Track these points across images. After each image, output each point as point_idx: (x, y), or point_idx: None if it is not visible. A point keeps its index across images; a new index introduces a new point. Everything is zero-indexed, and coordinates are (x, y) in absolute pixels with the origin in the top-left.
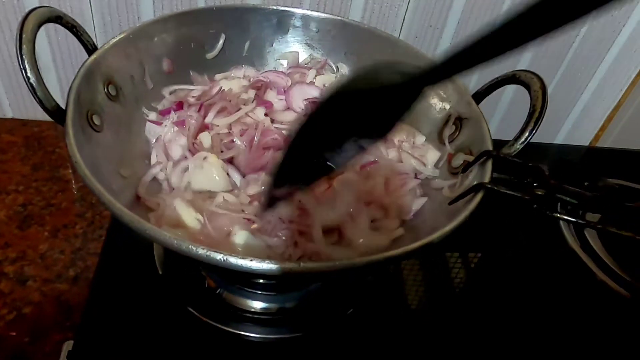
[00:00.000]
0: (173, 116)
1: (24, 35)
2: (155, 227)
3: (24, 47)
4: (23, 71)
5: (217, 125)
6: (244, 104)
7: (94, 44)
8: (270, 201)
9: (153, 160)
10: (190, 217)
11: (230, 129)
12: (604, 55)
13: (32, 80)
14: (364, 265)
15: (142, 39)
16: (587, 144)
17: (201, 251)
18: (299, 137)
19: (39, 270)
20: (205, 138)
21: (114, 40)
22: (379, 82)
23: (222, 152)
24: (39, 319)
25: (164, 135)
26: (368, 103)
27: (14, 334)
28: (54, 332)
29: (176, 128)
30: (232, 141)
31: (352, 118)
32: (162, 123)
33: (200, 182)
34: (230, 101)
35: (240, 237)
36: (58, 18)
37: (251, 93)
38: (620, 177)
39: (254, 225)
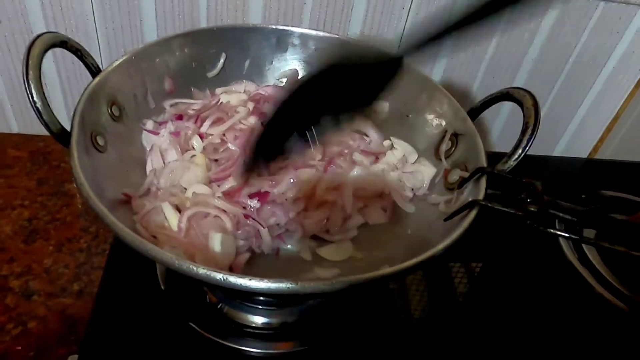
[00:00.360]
0: (170, 126)
1: (30, 61)
2: (157, 247)
3: (30, 72)
4: (29, 96)
5: (212, 135)
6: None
7: (97, 66)
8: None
9: (149, 168)
10: (175, 221)
11: (224, 136)
12: (602, 66)
13: (39, 104)
14: (363, 282)
15: (145, 60)
16: (585, 155)
17: (201, 271)
18: (279, 112)
19: (44, 285)
20: (196, 141)
21: (117, 62)
22: (353, 62)
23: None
24: (44, 333)
25: (160, 144)
26: (345, 81)
27: (20, 348)
28: (58, 346)
29: (172, 138)
30: (227, 147)
31: (331, 96)
32: (158, 133)
33: (187, 180)
34: (227, 113)
35: (215, 240)
36: (63, 43)
37: (250, 105)
38: (619, 189)
39: (226, 224)
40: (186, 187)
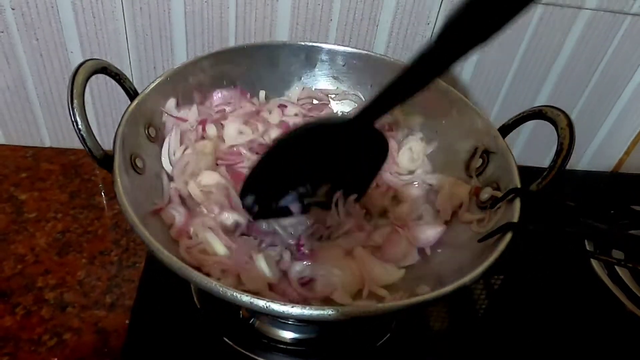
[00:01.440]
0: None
1: (75, 90)
2: (204, 276)
3: (75, 101)
4: (74, 123)
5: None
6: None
7: (135, 89)
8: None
9: (165, 149)
10: (219, 246)
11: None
12: (628, 79)
13: (83, 131)
14: (404, 308)
15: (179, 81)
16: (610, 169)
17: (245, 298)
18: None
19: (78, 297)
20: (210, 129)
21: (153, 84)
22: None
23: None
24: (78, 345)
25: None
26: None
27: (55, 359)
28: (93, 357)
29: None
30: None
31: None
32: (186, 119)
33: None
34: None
35: (261, 261)
36: (104, 69)
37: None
38: None
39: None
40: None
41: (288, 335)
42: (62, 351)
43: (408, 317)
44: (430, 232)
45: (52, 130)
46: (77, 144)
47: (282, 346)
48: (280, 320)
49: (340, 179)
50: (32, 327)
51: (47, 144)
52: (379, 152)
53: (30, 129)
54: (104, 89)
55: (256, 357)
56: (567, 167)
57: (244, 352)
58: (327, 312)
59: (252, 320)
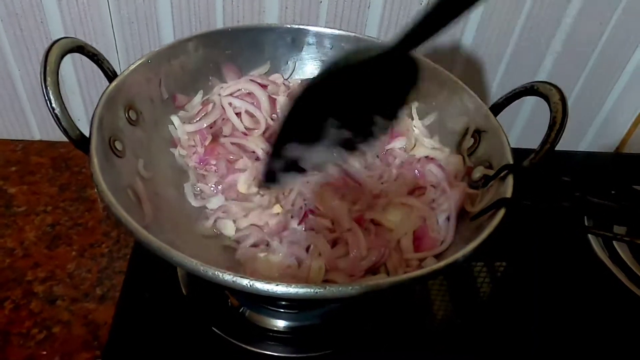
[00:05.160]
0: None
1: (48, 67)
2: (180, 253)
3: (48, 78)
4: (48, 102)
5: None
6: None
7: (114, 71)
8: (269, 174)
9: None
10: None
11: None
12: (628, 57)
13: (57, 110)
14: (388, 286)
15: (161, 63)
16: (613, 150)
17: (227, 277)
18: (302, 101)
19: (67, 290)
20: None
21: (133, 66)
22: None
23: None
24: (68, 338)
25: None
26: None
27: (45, 353)
28: (82, 350)
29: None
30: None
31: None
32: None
33: None
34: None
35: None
36: (80, 48)
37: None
38: None
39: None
40: None
41: (281, 323)
42: (51, 344)
43: (412, 301)
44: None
45: (41, 123)
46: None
47: (273, 334)
48: (270, 308)
49: (371, 110)
50: (21, 320)
51: (37, 137)
52: (410, 78)
53: (19, 123)
54: (90, 75)
55: (246, 346)
56: (569, 148)
57: (234, 341)
58: (313, 290)
59: (242, 309)
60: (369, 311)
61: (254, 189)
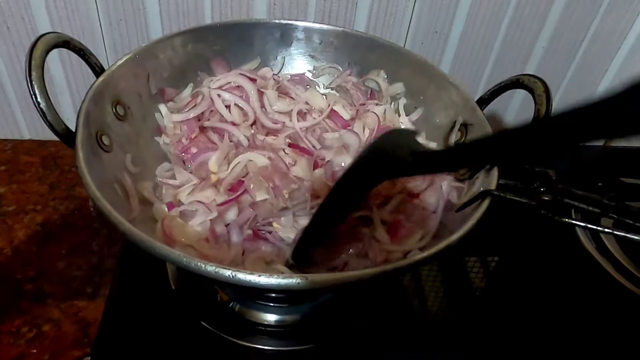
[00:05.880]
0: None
1: (32, 62)
2: (163, 245)
3: (33, 73)
4: (33, 96)
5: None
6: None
7: (101, 66)
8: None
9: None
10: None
11: None
12: (616, 50)
13: (42, 105)
14: (372, 276)
15: (148, 59)
16: (601, 143)
17: (210, 268)
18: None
19: (57, 288)
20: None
21: (120, 61)
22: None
23: None
24: (58, 336)
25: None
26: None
27: (35, 351)
28: (73, 348)
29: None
30: None
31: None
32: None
33: None
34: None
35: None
36: (66, 43)
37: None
38: (637, 176)
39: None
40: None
41: (271, 317)
42: (41, 342)
43: (405, 296)
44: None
45: (30, 123)
46: (51, 132)
47: (263, 328)
48: (260, 302)
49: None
50: (10, 319)
51: (27, 136)
52: None
53: (8, 122)
54: (79, 71)
55: (236, 340)
56: None
57: (223, 335)
58: (295, 280)
59: (232, 304)
60: (361, 305)
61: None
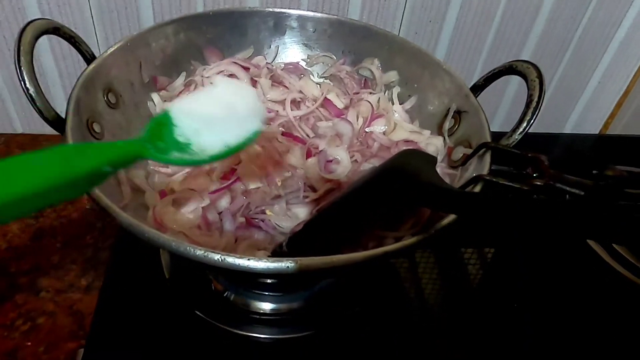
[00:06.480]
0: None
1: (21, 48)
2: (154, 230)
3: (22, 59)
4: (22, 82)
5: None
6: None
7: (92, 53)
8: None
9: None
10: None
11: None
12: (610, 37)
13: (32, 91)
14: (362, 260)
15: (140, 47)
16: (597, 132)
17: (199, 252)
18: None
19: (52, 281)
20: None
21: (112, 49)
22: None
23: None
24: (53, 329)
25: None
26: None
27: (29, 344)
28: (67, 340)
29: None
30: None
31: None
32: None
33: None
34: None
35: None
36: (56, 29)
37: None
38: (632, 164)
39: None
40: None
41: (266, 306)
42: (36, 335)
43: (401, 285)
44: None
45: (22, 116)
46: (50, 130)
47: (257, 317)
48: (254, 291)
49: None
50: (5, 312)
51: (19, 130)
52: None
53: (0, 116)
54: (71, 64)
55: (230, 329)
56: (553, 131)
57: (218, 324)
58: (284, 264)
59: (226, 293)
60: (358, 294)
61: None
